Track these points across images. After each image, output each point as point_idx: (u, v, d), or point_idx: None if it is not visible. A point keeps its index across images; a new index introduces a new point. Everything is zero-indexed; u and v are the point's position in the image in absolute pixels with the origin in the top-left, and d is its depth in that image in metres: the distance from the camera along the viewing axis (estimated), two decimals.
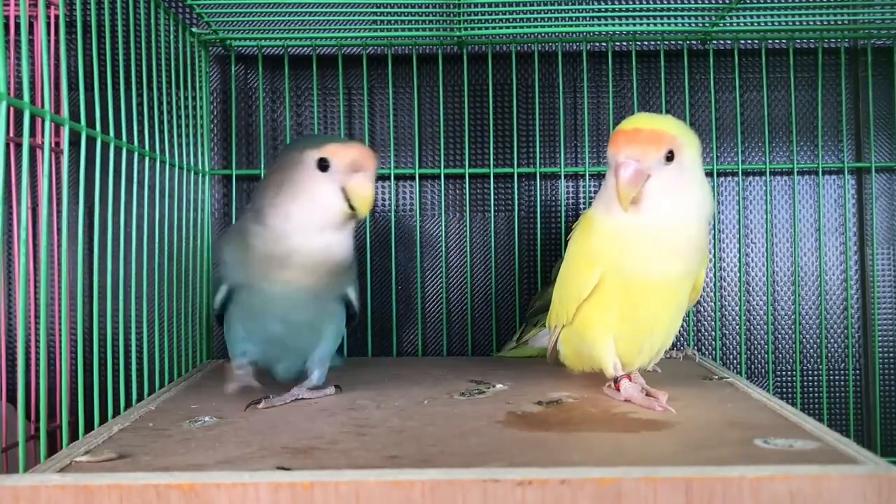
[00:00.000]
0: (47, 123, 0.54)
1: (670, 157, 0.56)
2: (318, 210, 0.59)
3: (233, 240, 0.64)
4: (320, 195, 0.58)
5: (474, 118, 0.94)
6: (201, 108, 0.88)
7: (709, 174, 0.90)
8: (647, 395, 0.59)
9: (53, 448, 0.53)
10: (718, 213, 0.93)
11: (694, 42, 0.92)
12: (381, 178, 0.94)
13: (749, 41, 0.92)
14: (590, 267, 0.60)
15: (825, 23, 0.86)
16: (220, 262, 0.66)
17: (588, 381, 0.69)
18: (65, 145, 0.58)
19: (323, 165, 0.59)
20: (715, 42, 0.92)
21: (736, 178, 0.93)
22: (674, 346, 0.92)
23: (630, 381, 0.60)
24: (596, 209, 0.61)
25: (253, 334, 0.64)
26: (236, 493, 0.40)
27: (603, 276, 0.59)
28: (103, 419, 0.60)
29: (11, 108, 0.49)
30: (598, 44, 0.93)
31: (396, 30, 0.87)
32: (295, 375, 0.65)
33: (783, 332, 0.93)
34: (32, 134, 0.76)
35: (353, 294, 0.65)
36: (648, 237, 0.57)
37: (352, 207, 0.59)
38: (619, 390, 0.60)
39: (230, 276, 0.63)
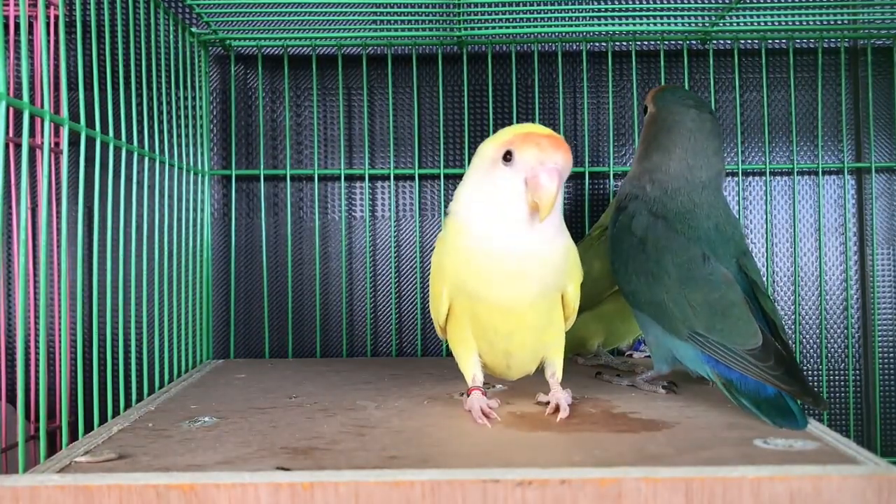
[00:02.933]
0: (47, 123, 0.53)
1: None
2: None
3: None
4: None
5: (474, 118, 0.94)
6: (201, 108, 0.88)
7: None
8: (547, 404, 0.57)
9: (53, 448, 0.53)
10: None
11: (694, 42, 0.92)
12: (381, 178, 0.94)
13: (749, 41, 0.92)
14: (438, 287, 0.57)
15: (825, 22, 0.86)
16: None
17: (587, 382, 0.69)
18: (64, 145, 0.58)
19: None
20: (715, 42, 0.92)
21: (736, 179, 0.93)
22: None
23: (481, 394, 0.57)
24: (464, 226, 0.54)
25: None
26: (236, 493, 0.40)
27: (452, 298, 0.57)
28: (103, 419, 0.60)
29: (11, 108, 0.49)
30: (597, 44, 0.93)
31: (396, 30, 0.87)
32: None
33: None
34: (32, 134, 0.76)
35: None
36: (508, 259, 0.53)
37: None
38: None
39: None
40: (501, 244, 0.53)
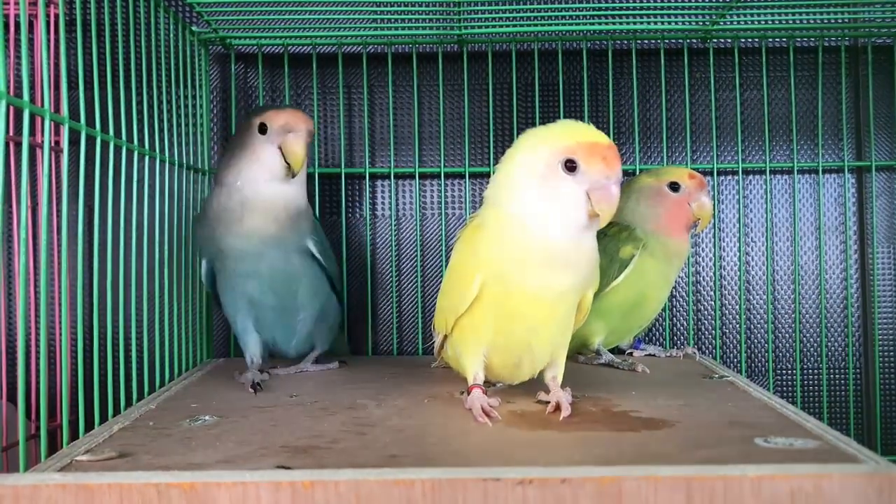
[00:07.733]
0: (47, 122, 0.53)
1: None
2: (261, 166, 0.70)
3: (201, 211, 0.76)
4: (262, 153, 0.70)
5: (474, 117, 0.94)
6: (201, 106, 0.88)
7: (709, 173, 0.91)
8: (554, 400, 0.57)
9: (54, 447, 0.53)
10: (719, 212, 0.93)
11: (694, 41, 0.92)
12: (382, 177, 0.94)
13: (749, 40, 0.92)
14: (471, 274, 0.56)
15: (825, 21, 0.86)
16: (195, 238, 0.78)
17: (587, 380, 0.69)
18: (65, 144, 0.58)
19: (262, 129, 0.70)
20: (715, 41, 0.92)
21: (736, 177, 0.93)
22: (674, 344, 0.93)
23: (482, 392, 0.57)
24: (521, 224, 0.55)
25: (239, 302, 0.73)
26: (237, 491, 0.40)
27: (483, 286, 0.56)
28: (104, 418, 0.60)
29: (11, 107, 0.49)
30: (598, 42, 0.93)
31: (396, 28, 0.86)
32: (304, 351, 0.78)
33: (783, 330, 0.93)
34: (32, 133, 0.76)
35: (314, 248, 0.73)
36: (553, 248, 0.54)
37: (287, 163, 0.70)
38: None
39: (205, 248, 0.74)
40: (558, 243, 0.54)
